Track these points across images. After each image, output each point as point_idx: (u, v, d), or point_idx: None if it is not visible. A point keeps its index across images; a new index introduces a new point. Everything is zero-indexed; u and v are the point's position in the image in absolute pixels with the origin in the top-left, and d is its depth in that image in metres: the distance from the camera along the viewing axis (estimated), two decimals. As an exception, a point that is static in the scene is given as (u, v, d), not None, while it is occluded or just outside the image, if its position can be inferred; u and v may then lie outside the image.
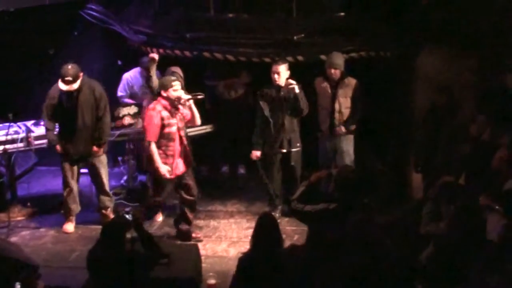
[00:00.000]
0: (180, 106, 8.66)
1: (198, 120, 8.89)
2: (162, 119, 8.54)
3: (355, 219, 6.17)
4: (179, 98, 8.58)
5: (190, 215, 8.97)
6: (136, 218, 6.57)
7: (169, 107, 8.58)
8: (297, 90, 9.08)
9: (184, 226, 8.98)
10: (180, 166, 8.73)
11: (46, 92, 9.06)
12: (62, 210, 9.38)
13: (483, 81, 9.46)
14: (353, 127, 9.46)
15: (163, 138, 8.61)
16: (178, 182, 8.83)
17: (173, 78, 8.71)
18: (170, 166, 8.65)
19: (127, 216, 6.52)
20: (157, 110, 8.56)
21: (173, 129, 8.61)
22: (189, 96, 8.65)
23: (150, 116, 8.58)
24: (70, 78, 8.65)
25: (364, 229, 6.07)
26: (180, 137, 8.69)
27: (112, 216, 9.11)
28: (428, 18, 9.44)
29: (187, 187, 8.86)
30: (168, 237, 9.11)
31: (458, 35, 9.24)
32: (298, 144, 9.42)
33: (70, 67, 8.70)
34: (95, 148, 9.10)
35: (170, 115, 8.59)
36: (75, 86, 8.72)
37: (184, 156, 8.77)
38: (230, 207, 9.98)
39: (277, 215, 9.30)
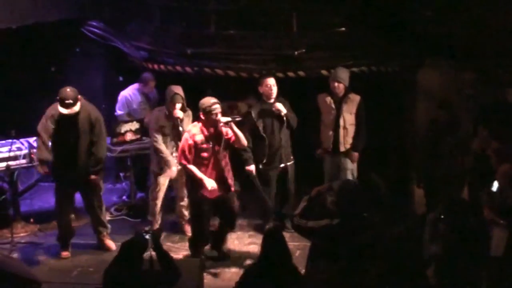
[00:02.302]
0: (223, 129, 8.32)
1: (243, 141, 8.50)
2: (196, 143, 8.26)
3: None
4: (217, 121, 8.22)
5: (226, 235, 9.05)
6: (155, 237, 6.54)
7: (206, 131, 8.30)
8: (283, 112, 9.11)
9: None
10: (215, 191, 8.40)
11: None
12: (57, 237, 9.16)
13: (484, 95, 9.50)
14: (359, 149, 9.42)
15: (197, 162, 8.32)
16: (216, 204, 8.54)
17: (212, 100, 8.22)
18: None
19: (146, 235, 6.49)
20: (192, 133, 8.30)
21: (206, 154, 8.31)
22: (228, 119, 8.27)
23: (185, 139, 8.32)
24: (70, 101, 8.46)
25: None
26: (217, 161, 8.37)
27: (109, 239, 9.16)
28: (428, 33, 9.48)
29: (224, 210, 8.63)
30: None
31: (459, 49, 9.28)
32: (292, 158, 9.39)
33: (69, 89, 8.51)
34: (92, 177, 8.82)
35: (205, 140, 8.28)
36: (76, 108, 8.52)
37: (221, 181, 8.43)
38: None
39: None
